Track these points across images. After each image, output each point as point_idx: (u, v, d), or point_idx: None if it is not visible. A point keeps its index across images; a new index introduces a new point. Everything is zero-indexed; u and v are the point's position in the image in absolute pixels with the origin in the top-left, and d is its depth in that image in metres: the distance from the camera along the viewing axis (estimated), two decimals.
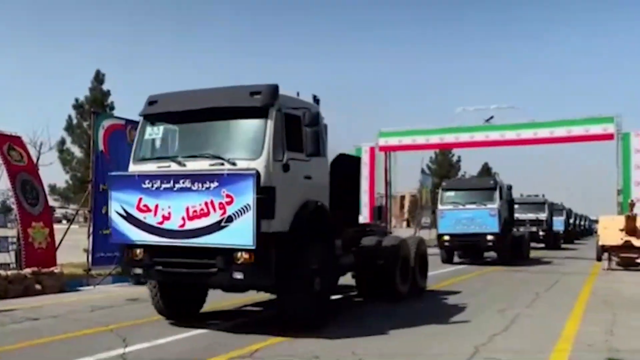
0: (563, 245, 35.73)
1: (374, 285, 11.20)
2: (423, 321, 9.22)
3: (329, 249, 9.01)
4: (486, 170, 55.09)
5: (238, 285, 8.43)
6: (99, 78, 31.78)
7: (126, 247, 8.46)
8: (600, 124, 22.91)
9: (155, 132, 8.76)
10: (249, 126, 8.26)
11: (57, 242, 14.04)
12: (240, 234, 7.49)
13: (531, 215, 32.57)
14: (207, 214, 7.67)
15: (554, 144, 25.58)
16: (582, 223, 59.15)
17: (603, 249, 19.72)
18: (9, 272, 12.25)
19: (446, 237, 21.53)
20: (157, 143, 8.79)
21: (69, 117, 31.66)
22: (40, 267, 12.52)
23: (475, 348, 7.25)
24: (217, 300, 10.02)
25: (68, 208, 31.68)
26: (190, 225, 7.78)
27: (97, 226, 13.45)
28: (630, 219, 18.56)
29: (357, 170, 11.23)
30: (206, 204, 7.68)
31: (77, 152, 31.99)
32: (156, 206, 7.99)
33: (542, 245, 32.23)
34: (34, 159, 15.66)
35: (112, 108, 32.88)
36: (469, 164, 60.13)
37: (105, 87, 33.07)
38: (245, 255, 7.58)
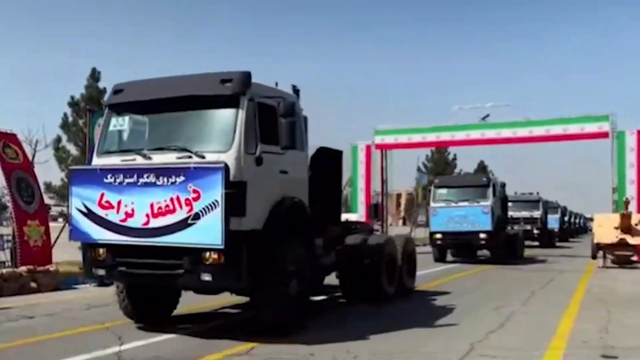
0: (558, 244, 35.27)
1: (358, 285, 10.60)
2: (416, 320, 9.05)
3: (308, 248, 8.42)
4: (482, 169, 55.11)
5: (208, 288, 7.91)
6: (94, 76, 31.57)
7: (88, 247, 7.90)
8: (596, 123, 22.67)
9: (120, 123, 8.18)
10: (219, 116, 7.69)
11: (52, 240, 14.02)
12: (208, 233, 6.93)
13: (525, 213, 32.04)
14: (172, 211, 7.11)
15: (550, 142, 25.43)
16: (577, 221, 58.97)
17: (598, 246, 19.60)
18: (5, 270, 12.13)
19: (438, 235, 20.96)
20: (123, 135, 8.20)
21: (65, 114, 31.56)
22: (35, 265, 12.37)
23: (470, 345, 7.16)
24: (197, 301, 9.50)
25: (64, 206, 31.53)
26: (155, 222, 7.20)
27: None
28: (625, 217, 18.48)
29: (339, 165, 10.45)
30: (172, 200, 7.11)
31: (72, 150, 31.81)
32: (119, 202, 7.40)
33: (537, 243, 31.77)
34: (30, 157, 15.64)
35: None
36: (465, 162, 60.33)
37: (101, 84, 32.98)
38: (214, 256, 7.04)
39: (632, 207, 19.91)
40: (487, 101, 26.59)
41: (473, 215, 20.41)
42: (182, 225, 7.06)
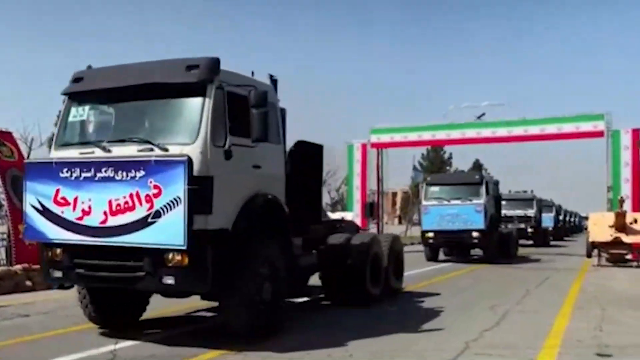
0: (552, 243, 34.69)
1: (342, 287, 9.98)
2: (405, 321, 8.87)
3: (284, 248, 7.81)
4: (477, 167, 55.29)
5: (171, 291, 7.37)
6: None
7: (45, 247, 7.26)
8: (591, 122, 22.37)
9: (80, 114, 7.51)
10: (184, 106, 7.04)
11: None
12: (169, 232, 6.36)
13: (519, 212, 31.30)
14: (131, 208, 6.54)
15: (545, 141, 25.22)
16: (572, 220, 58.84)
17: (593, 245, 19.35)
18: (0, 269, 12.18)
19: (430, 234, 20.31)
20: (83, 126, 7.54)
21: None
22: (30, 264, 12.05)
23: (465, 344, 7.11)
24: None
25: None
26: (113, 221, 6.62)
27: None
28: (620, 215, 18.22)
29: (319, 160, 9.66)
30: (131, 196, 6.54)
31: None
32: (75, 199, 6.81)
33: (531, 242, 31.20)
34: (25, 155, 15.61)
35: None
36: (461, 161, 60.38)
37: None
38: (177, 257, 6.46)
39: (627, 205, 19.68)
40: (483, 100, 26.64)
41: (466, 214, 19.86)
42: (142, 223, 6.50)
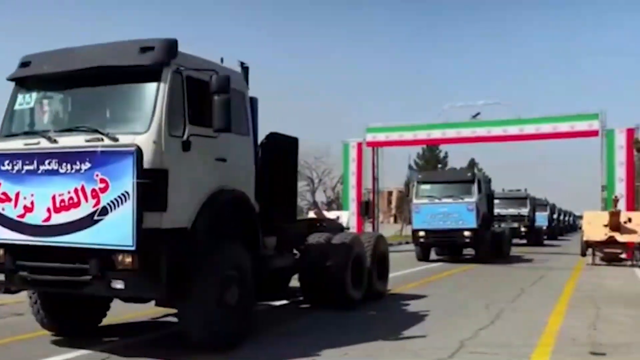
0: (546, 242, 34.16)
1: (321, 289, 9.33)
2: (400, 321, 8.61)
3: (253, 249, 7.17)
4: (473, 166, 55.48)
5: (122, 297, 6.71)
6: None
7: None
8: (586, 121, 22.21)
9: (27, 101, 6.81)
10: (137, 91, 6.37)
11: None
12: (116, 231, 5.73)
13: (512, 211, 30.87)
14: (77, 205, 5.91)
15: (540, 140, 25.04)
16: (567, 219, 58.88)
17: (587, 244, 19.40)
18: None
19: (421, 233, 19.64)
20: (29, 114, 6.85)
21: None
22: None
23: (460, 342, 7.04)
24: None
25: None
26: (57, 219, 5.99)
27: None
28: (614, 214, 18.15)
29: (294, 154, 8.94)
30: (76, 191, 5.91)
31: None
32: (17, 194, 6.19)
33: (524, 241, 30.64)
34: None
35: None
36: (457, 160, 60.42)
37: None
38: (127, 259, 5.79)
39: (621, 204, 19.62)
40: (479, 99, 26.62)
41: (457, 212, 19.28)
42: (88, 221, 5.86)
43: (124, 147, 5.86)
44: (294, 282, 9.90)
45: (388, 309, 9.94)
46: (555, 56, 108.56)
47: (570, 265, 19.25)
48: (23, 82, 6.92)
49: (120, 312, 8.24)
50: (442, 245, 20.92)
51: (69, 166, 6.02)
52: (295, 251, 9.36)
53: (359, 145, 26.42)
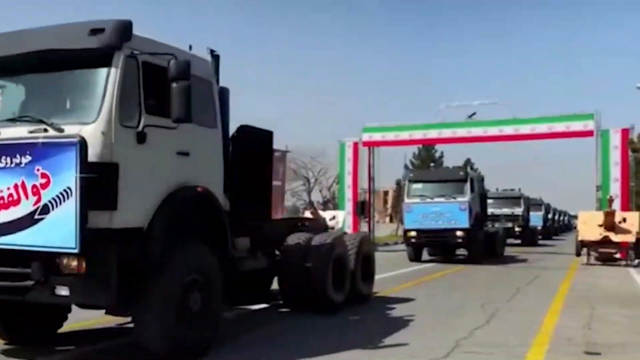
0: (541, 242, 33.95)
1: (300, 292, 8.85)
2: (389, 323, 8.47)
3: (220, 250, 6.64)
4: (468, 166, 55.53)
5: (68, 304, 6.23)
6: None
7: None
8: (581, 121, 22.18)
9: None
10: (86, 77, 5.81)
11: None
12: (59, 232, 5.19)
13: (506, 210, 30.57)
14: (16, 202, 5.37)
15: (536, 140, 25.01)
16: (562, 218, 59.11)
17: (582, 244, 19.67)
18: None
19: (413, 233, 19.24)
20: None
21: None
22: None
23: (455, 342, 7.01)
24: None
25: None
26: None
27: None
28: (609, 214, 18.27)
29: (269, 149, 8.40)
30: (16, 187, 5.36)
31: None
32: None
33: (519, 241, 30.29)
34: None
35: None
36: (452, 160, 60.43)
37: None
38: (72, 263, 5.22)
39: (616, 204, 19.66)
40: (475, 99, 26.63)
41: (449, 212, 18.89)
42: (28, 221, 5.32)
43: (66, 139, 5.31)
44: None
45: (373, 311, 9.58)
46: (554, 56, 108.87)
47: (565, 265, 19.29)
48: None
49: (85, 317, 7.53)
50: (434, 245, 20.56)
51: (8, 160, 5.45)
52: (277, 252, 8.96)
53: (355, 144, 26.40)
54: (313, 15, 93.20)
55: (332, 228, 13.55)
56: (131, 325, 7.33)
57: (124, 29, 5.71)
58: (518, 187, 33.90)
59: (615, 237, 18.48)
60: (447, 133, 25.29)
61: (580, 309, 9.77)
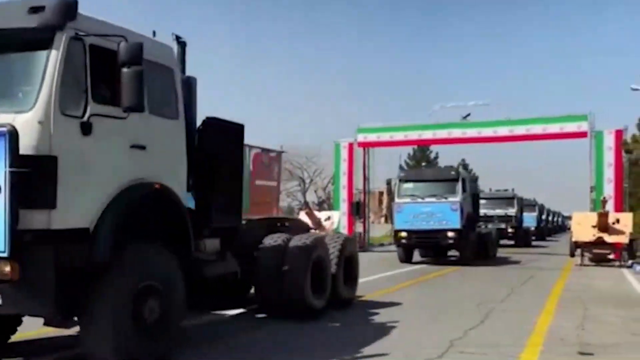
0: (534, 243, 33.77)
1: (277, 298, 8.28)
2: (384, 323, 8.35)
3: (182, 254, 6.08)
4: (463, 166, 55.63)
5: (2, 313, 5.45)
6: None
7: None
8: (575, 122, 22.21)
9: None
10: (24, 61, 5.26)
11: None
12: None
13: (499, 211, 30.42)
14: None
15: (530, 141, 25.10)
16: (556, 219, 59.35)
17: (576, 245, 19.70)
18: None
19: (403, 234, 18.81)
20: None
21: None
22: None
23: (450, 342, 7.02)
24: None
25: None
26: None
27: None
28: (603, 215, 18.32)
29: (239, 143, 7.77)
30: None
31: None
32: None
33: (512, 242, 30.19)
34: None
35: None
36: (447, 161, 60.52)
37: None
38: (5, 268, 4.71)
39: (610, 206, 19.65)
40: (469, 100, 26.73)
41: (440, 212, 18.47)
42: None
43: None
44: None
45: (358, 316, 9.07)
46: (554, 56, 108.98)
47: (559, 265, 19.32)
48: None
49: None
50: (424, 246, 20.13)
51: None
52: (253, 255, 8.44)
53: (350, 145, 26.39)
54: (313, 15, 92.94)
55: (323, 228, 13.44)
56: None
57: (68, 7, 5.15)
58: (511, 188, 33.82)
59: (608, 238, 18.54)
60: (442, 134, 25.31)
61: (574, 310, 9.79)
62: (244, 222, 8.22)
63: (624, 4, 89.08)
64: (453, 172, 20.16)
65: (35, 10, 5.07)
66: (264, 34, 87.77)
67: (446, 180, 19.39)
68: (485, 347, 6.95)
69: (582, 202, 23.83)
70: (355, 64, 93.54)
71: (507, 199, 31.82)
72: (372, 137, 26.34)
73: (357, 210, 25.87)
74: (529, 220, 35.43)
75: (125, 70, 5.18)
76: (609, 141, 21.79)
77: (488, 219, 28.30)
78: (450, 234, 18.45)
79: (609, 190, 21.23)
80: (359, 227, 26.17)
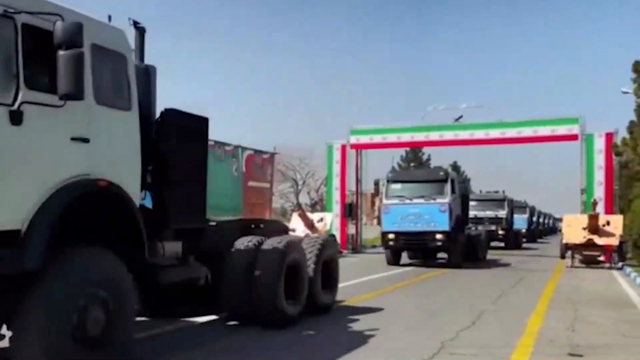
0: (525, 245, 33.71)
1: (246, 304, 7.66)
2: (372, 327, 8.12)
3: (134, 258, 5.58)
4: (455, 168, 55.82)
5: None
6: None
7: None
8: (565, 125, 22.34)
9: None
10: None
11: None
12: None
13: (490, 213, 30.12)
14: None
15: (521, 143, 25.19)
16: (547, 221, 59.56)
17: (567, 247, 19.79)
18: None
19: (391, 236, 18.37)
20: None
21: None
22: None
23: (441, 344, 7.02)
24: None
25: None
26: None
27: None
28: (593, 217, 18.30)
29: (204, 137, 7.25)
30: None
31: None
32: None
33: (502, 244, 29.90)
34: None
35: None
36: (440, 163, 60.69)
37: None
38: None
39: (600, 208, 19.70)
40: (461, 102, 26.81)
41: (429, 214, 18.06)
42: None
43: None
44: None
45: (338, 323, 8.49)
46: (538, 59, 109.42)
47: (550, 267, 19.36)
48: None
49: None
50: (412, 248, 19.69)
51: None
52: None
53: (343, 147, 26.38)
54: (313, 13, 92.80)
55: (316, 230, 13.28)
56: None
57: None
58: (502, 190, 33.72)
59: (599, 240, 18.61)
60: (434, 136, 25.36)
61: (565, 311, 9.84)
62: (213, 223, 7.78)
63: (623, 6, 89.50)
64: (442, 173, 19.62)
65: None
66: (263, 34, 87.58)
67: (435, 181, 18.99)
68: (476, 348, 6.97)
69: (573, 204, 23.95)
70: (355, 64, 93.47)
71: (498, 201, 31.47)
72: (364, 139, 26.35)
73: (349, 211, 25.86)
74: (520, 222, 35.32)
75: (61, 52, 4.61)
76: (600, 144, 21.90)
77: (478, 220, 28.12)
78: (438, 236, 18.08)
79: (599, 192, 21.32)
80: (351, 229, 26.14)
